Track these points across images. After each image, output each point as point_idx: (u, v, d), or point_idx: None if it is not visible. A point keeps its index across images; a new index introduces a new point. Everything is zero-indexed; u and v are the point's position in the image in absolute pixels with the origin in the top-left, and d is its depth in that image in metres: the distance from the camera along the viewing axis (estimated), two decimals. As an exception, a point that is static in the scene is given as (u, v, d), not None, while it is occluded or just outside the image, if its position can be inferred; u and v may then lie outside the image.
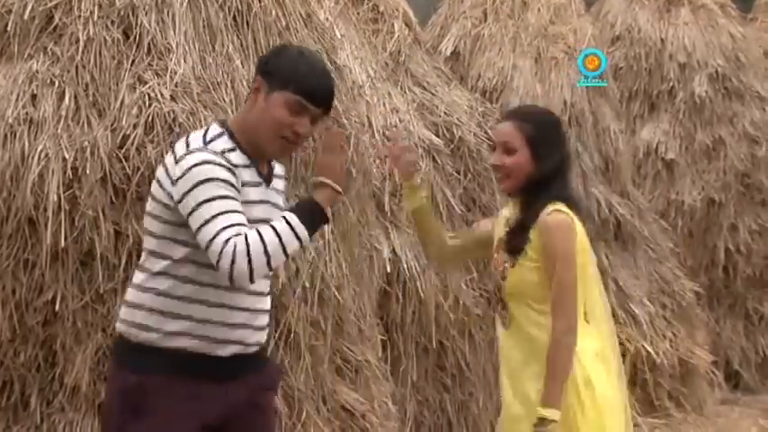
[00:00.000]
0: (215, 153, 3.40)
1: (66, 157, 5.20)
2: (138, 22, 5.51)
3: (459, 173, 7.39)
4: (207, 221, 3.32)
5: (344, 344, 5.85)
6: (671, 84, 10.59)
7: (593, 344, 4.00)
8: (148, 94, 5.36)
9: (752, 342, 10.34)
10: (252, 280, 3.37)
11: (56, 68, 5.44)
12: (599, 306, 4.13)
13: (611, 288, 8.65)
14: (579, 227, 4.03)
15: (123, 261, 5.18)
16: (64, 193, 5.16)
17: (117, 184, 5.23)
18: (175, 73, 5.43)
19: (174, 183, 3.41)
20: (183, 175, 3.38)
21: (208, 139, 3.46)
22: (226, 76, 5.58)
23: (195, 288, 3.43)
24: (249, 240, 3.30)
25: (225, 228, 3.31)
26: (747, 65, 10.88)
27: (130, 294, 3.54)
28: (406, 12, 8.04)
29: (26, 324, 5.20)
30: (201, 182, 3.34)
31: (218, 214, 3.32)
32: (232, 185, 3.37)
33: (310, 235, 3.41)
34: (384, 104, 7.25)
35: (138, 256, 5.16)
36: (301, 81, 3.47)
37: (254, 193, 3.49)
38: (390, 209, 6.87)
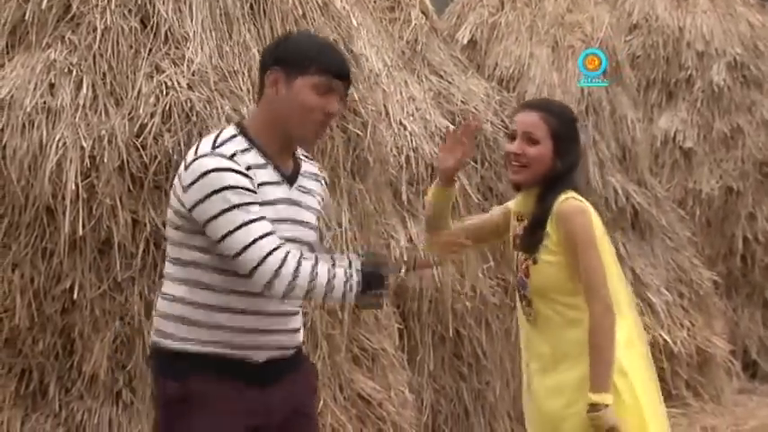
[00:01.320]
0: (223, 157, 3.31)
1: (84, 145, 5.21)
2: (156, 11, 5.52)
3: (475, 161, 7.38)
4: (234, 230, 3.25)
5: (361, 332, 5.86)
6: (689, 72, 10.55)
7: (621, 333, 3.97)
8: (165, 83, 5.36)
9: (770, 331, 10.32)
10: (282, 299, 3.34)
11: (73, 57, 5.45)
12: (622, 295, 4.11)
13: (628, 277, 8.63)
14: (595, 214, 4.02)
15: (141, 249, 5.20)
16: (82, 181, 5.17)
17: (134, 172, 5.24)
18: (192, 62, 5.44)
19: (184, 190, 3.34)
20: (193, 182, 3.31)
21: (218, 142, 3.38)
22: (243, 64, 5.58)
23: (220, 296, 3.37)
24: (301, 265, 3.26)
25: (262, 236, 3.25)
26: (766, 53, 10.82)
27: (159, 304, 3.48)
28: (423, 0, 8.03)
29: (44, 312, 5.22)
30: (216, 191, 3.27)
31: (247, 223, 3.25)
32: (247, 189, 3.31)
33: (359, 298, 3.35)
34: (401, 93, 7.24)
35: (156, 245, 5.22)
36: (321, 60, 3.42)
37: (273, 193, 3.39)
38: (407, 198, 6.87)
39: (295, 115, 3.40)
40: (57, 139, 5.23)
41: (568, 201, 3.96)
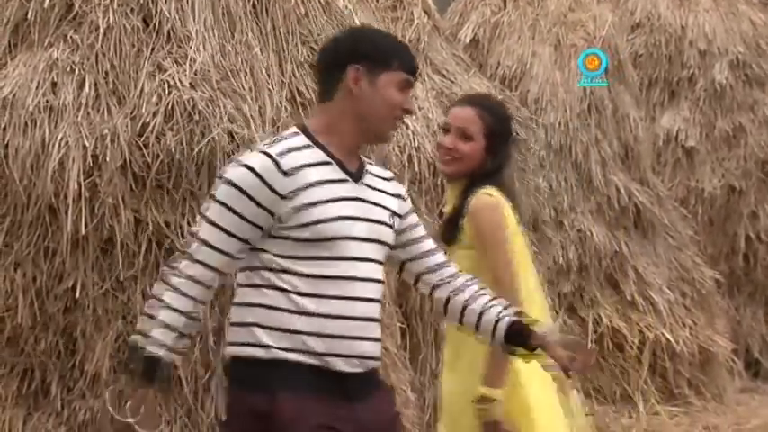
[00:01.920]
0: (268, 156, 3.22)
1: (87, 144, 5.21)
2: (158, 10, 5.52)
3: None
4: (193, 240, 3.24)
5: (364, 331, 5.85)
6: (691, 71, 10.55)
7: None
8: (168, 82, 5.36)
9: (772, 330, 10.32)
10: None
11: (76, 56, 5.45)
12: (536, 296, 4.04)
13: (630, 276, 8.64)
14: (508, 210, 3.98)
15: (143, 249, 5.20)
16: (84, 180, 5.17)
17: (137, 171, 5.24)
18: (195, 61, 5.44)
19: None
20: (218, 179, 3.29)
21: (279, 136, 3.32)
22: (245, 63, 5.58)
23: (297, 298, 3.23)
24: (172, 283, 3.23)
25: (191, 256, 3.23)
26: (768, 52, 10.83)
27: (233, 314, 3.34)
28: (426, -1, 8.03)
29: (46, 311, 5.23)
30: (215, 200, 3.23)
31: (202, 242, 3.23)
32: (238, 215, 3.22)
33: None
34: (403, 92, 7.22)
35: (158, 244, 5.22)
36: (402, 57, 3.36)
37: (331, 191, 3.25)
38: (410, 197, 6.85)
39: (379, 111, 3.32)
40: (59, 138, 5.23)
41: (481, 196, 3.94)
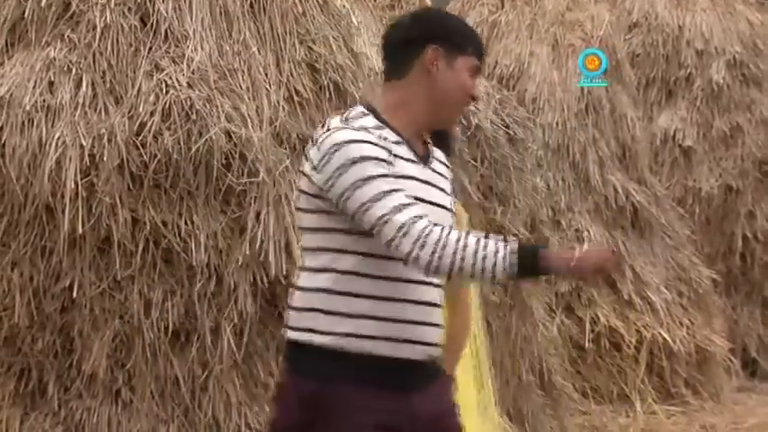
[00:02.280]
0: (359, 129, 3.11)
1: (84, 144, 5.20)
2: (155, 9, 5.51)
3: (475, 160, 7.37)
4: (373, 200, 3.02)
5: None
6: (688, 70, 10.55)
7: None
8: (165, 81, 5.36)
9: (769, 329, 10.33)
10: (426, 272, 3.05)
11: (73, 55, 5.45)
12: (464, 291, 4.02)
13: (627, 275, 8.64)
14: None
15: (140, 248, 5.19)
16: (81, 180, 5.17)
17: (134, 171, 5.23)
18: (192, 60, 5.43)
19: (316, 168, 3.10)
20: (327, 156, 3.08)
21: (348, 117, 3.17)
22: (242, 63, 5.57)
23: (362, 281, 3.12)
24: (446, 234, 3.00)
25: (405, 205, 3.02)
26: (765, 51, 10.83)
27: (295, 298, 3.22)
28: (423, -2, 8.03)
29: (44, 311, 5.22)
30: (353, 162, 3.05)
31: (389, 192, 3.03)
32: (382, 160, 3.07)
33: (514, 276, 3.04)
34: (400, 91, 7.22)
35: (155, 244, 5.21)
36: (475, 42, 3.30)
37: (408, 169, 3.15)
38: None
39: (452, 94, 3.24)
40: (56, 137, 5.22)
41: None
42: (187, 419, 5.20)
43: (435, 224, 3.04)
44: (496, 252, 3.00)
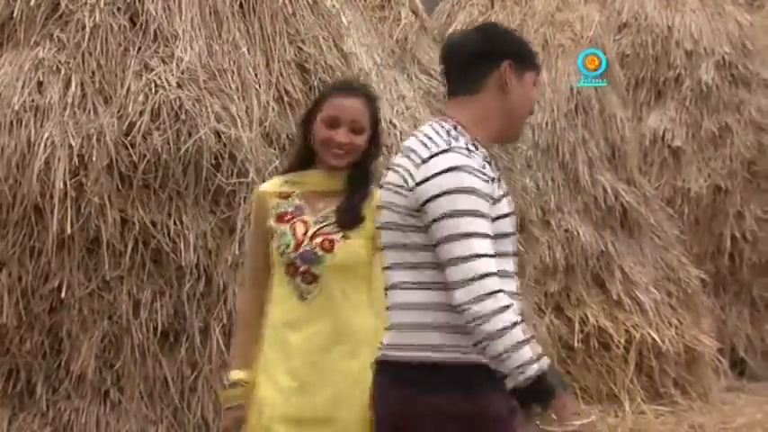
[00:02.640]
0: (467, 157, 3.06)
1: (73, 144, 5.20)
2: (145, 9, 5.50)
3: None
4: (459, 237, 3.01)
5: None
6: (677, 71, 10.57)
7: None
8: (155, 81, 5.35)
9: (757, 329, 10.34)
10: (472, 339, 3.02)
11: (62, 55, 5.44)
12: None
13: (617, 275, 8.65)
14: None
15: (129, 248, 5.18)
16: (70, 180, 5.16)
17: (123, 171, 5.22)
18: (182, 60, 5.42)
19: (418, 184, 3.09)
20: (433, 176, 3.06)
21: (450, 134, 3.13)
22: (232, 63, 5.57)
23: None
24: (517, 325, 2.98)
25: (488, 275, 2.99)
26: (754, 52, 10.85)
27: (397, 316, 3.20)
28: (413, -1, 8.04)
29: (32, 311, 5.21)
30: (458, 190, 3.03)
31: (480, 255, 2.99)
32: (489, 198, 3.05)
33: (520, 384, 3.01)
34: (390, 91, 7.24)
35: (144, 244, 5.20)
36: (536, 58, 3.33)
37: (505, 207, 3.14)
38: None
39: (523, 110, 3.26)
40: (45, 137, 5.21)
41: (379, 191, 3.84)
42: (176, 420, 5.19)
43: (505, 306, 2.99)
44: (531, 360, 2.98)
